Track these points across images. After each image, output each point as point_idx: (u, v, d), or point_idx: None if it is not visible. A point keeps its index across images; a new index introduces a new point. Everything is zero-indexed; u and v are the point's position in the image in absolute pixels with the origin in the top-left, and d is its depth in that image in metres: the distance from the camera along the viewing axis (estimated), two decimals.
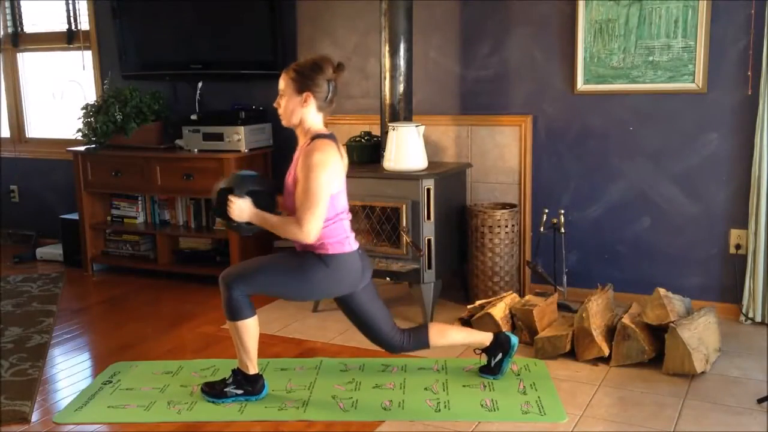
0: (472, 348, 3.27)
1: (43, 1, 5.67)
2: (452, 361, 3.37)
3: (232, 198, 2.83)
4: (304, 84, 2.79)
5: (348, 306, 2.99)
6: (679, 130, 3.86)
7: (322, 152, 2.74)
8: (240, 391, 3.01)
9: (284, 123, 2.88)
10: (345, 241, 2.88)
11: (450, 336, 3.13)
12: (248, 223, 2.88)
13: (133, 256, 5.05)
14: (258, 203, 2.87)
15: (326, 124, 2.93)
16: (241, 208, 2.83)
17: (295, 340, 3.71)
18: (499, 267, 4.02)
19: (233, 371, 3.03)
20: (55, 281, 4.85)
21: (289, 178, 2.86)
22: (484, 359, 3.20)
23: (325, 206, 2.75)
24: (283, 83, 2.83)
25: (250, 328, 2.92)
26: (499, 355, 3.15)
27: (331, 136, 2.85)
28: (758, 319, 3.72)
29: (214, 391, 3.03)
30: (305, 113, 2.81)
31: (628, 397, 2.98)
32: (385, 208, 3.90)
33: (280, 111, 2.86)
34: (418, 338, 3.06)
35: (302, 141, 2.86)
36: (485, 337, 3.18)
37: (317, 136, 2.80)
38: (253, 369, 3.00)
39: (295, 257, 2.90)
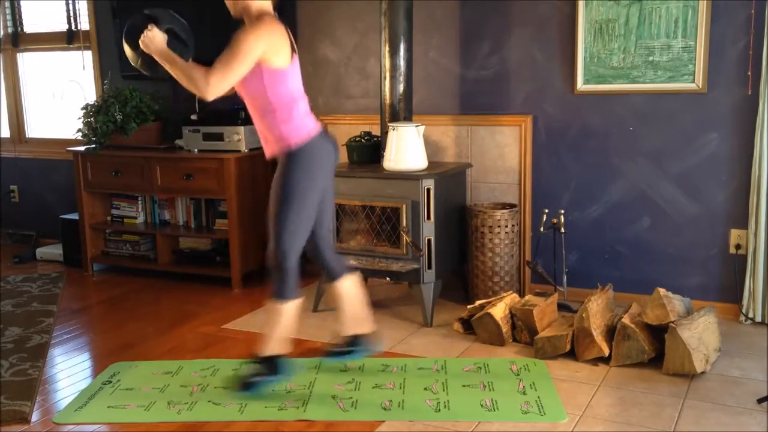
0: (343, 327, 3.22)
1: (43, 1, 5.67)
2: (452, 361, 3.37)
3: (151, 26, 2.70)
4: None
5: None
6: (679, 130, 3.86)
7: (263, 21, 2.71)
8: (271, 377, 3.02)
9: (232, 11, 2.84)
10: (306, 125, 2.85)
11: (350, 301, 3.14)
12: (150, 61, 2.74)
13: (133, 256, 5.05)
14: (174, 48, 2.74)
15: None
16: (153, 39, 2.71)
17: (295, 340, 3.70)
18: (499, 267, 4.02)
19: (261, 360, 3.01)
20: (55, 281, 4.85)
21: None
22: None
23: (242, 71, 2.67)
24: None
25: (293, 312, 2.96)
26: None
27: (274, 17, 2.79)
28: (758, 319, 3.72)
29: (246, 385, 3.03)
30: None
31: (628, 397, 2.98)
32: (385, 208, 3.90)
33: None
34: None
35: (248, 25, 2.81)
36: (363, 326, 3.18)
37: (265, 16, 2.77)
38: (278, 350, 3.00)
39: (276, 184, 2.85)
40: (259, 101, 2.81)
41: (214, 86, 2.66)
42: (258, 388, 3.01)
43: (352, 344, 3.23)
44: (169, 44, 2.75)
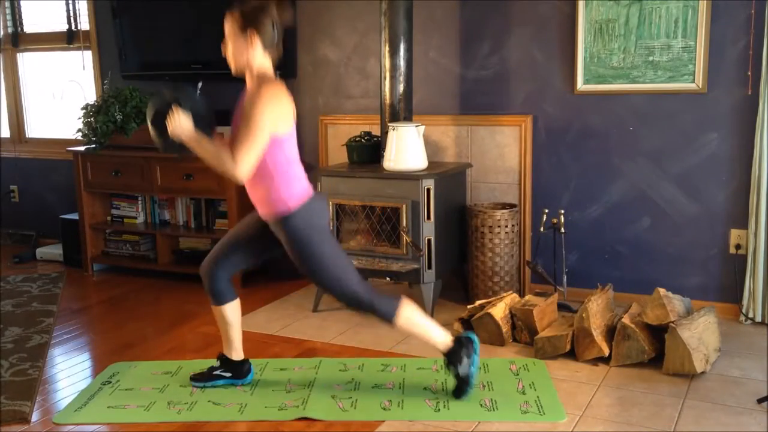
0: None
1: (43, 1, 5.67)
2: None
3: (176, 109, 2.70)
4: (248, 25, 2.76)
5: None
6: (679, 130, 3.86)
7: (270, 90, 2.72)
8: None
9: (233, 69, 2.84)
10: (300, 190, 2.84)
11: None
12: (180, 144, 2.75)
13: (133, 256, 5.05)
14: (197, 127, 2.76)
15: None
16: (183, 126, 2.73)
17: (295, 340, 3.71)
18: (499, 267, 4.02)
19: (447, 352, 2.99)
20: (55, 281, 4.85)
21: (233, 125, 2.81)
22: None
23: (263, 144, 2.70)
24: (228, 26, 2.79)
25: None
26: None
27: (278, 81, 2.81)
28: (758, 319, 3.72)
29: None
30: (252, 55, 2.77)
31: (628, 397, 2.98)
32: (385, 208, 3.90)
33: (228, 56, 2.82)
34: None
35: (250, 85, 2.82)
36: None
37: (267, 79, 2.78)
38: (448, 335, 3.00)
39: (296, 244, 2.83)
40: (257, 167, 2.77)
41: (242, 167, 2.69)
42: (472, 376, 2.97)
43: (226, 368, 3.17)
44: (195, 126, 2.76)
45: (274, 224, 2.87)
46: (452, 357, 2.97)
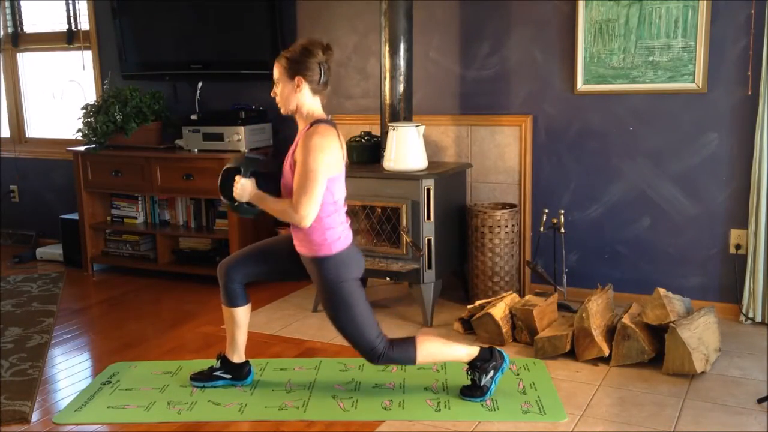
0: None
1: (43, 1, 5.67)
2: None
3: (237, 177, 2.87)
4: (295, 69, 2.80)
5: None
6: (679, 130, 3.86)
7: (321, 136, 2.75)
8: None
9: (282, 111, 2.90)
10: (342, 234, 2.88)
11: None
12: (249, 204, 2.91)
13: (133, 256, 5.04)
14: (262, 185, 2.89)
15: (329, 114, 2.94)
16: (244, 188, 2.86)
17: (295, 340, 3.71)
18: (499, 267, 4.02)
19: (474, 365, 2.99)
20: (55, 281, 4.85)
21: (286, 164, 2.86)
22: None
23: (322, 190, 2.75)
24: (276, 71, 2.86)
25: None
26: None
27: (330, 122, 2.86)
28: (758, 319, 3.72)
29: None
30: (301, 98, 2.83)
31: (628, 397, 2.98)
32: (385, 208, 3.90)
33: (277, 99, 2.88)
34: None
35: (302, 126, 2.87)
36: (471, 351, 3.02)
37: (317, 121, 2.82)
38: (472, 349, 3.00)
39: (325, 287, 2.87)
40: None
41: (306, 214, 2.75)
42: (492, 387, 2.98)
43: (226, 370, 3.17)
44: (260, 187, 2.88)
45: (310, 262, 2.90)
46: (480, 365, 2.96)
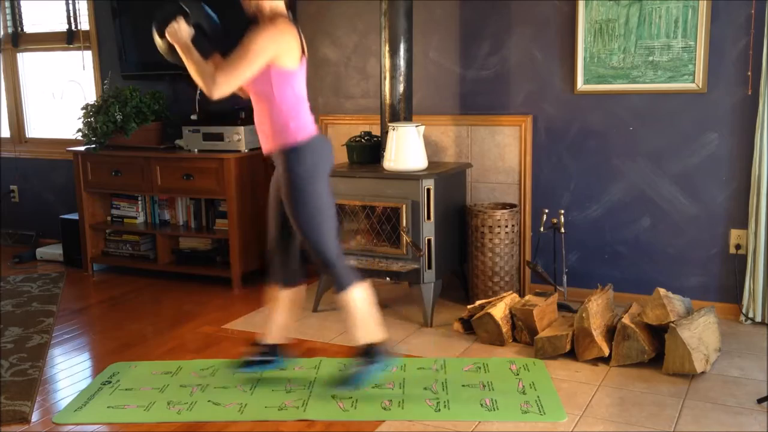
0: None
1: (43, 1, 5.67)
2: (452, 361, 3.37)
3: (180, 18, 2.77)
4: None
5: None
6: (679, 130, 3.86)
7: (274, 25, 2.75)
8: (377, 363, 2.97)
9: (246, 10, 2.87)
10: (309, 124, 2.88)
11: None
12: (174, 50, 2.82)
13: (133, 256, 5.04)
14: (198, 42, 2.81)
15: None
16: (179, 31, 2.77)
17: (295, 340, 3.71)
18: (499, 267, 4.02)
19: (363, 350, 2.98)
20: (55, 281, 4.85)
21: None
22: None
23: (250, 72, 2.72)
24: None
25: (365, 294, 2.96)
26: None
27: (287, 18, 2.83)
28: (758, 319, 3.72)
29: (356, 377, 2.98)
30: None
31: (628, 397, 2.98)
32: (385, 208, 3.90)
33: None
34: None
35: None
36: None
37: (277, 16, 2.81)
38: (382, 334, 3.00)
39: (289, 184, 2.84)
40: (265, 99, 2.84)
41: (220, 85, 2.70)
42: (363, 379, 2.97)
43: (272, 353, 3.19)
44: (194, 40, 2.80)
45: (278, 155, 2.87)
46: (371, 354, 2.96)
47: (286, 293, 3.12)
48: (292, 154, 2.84)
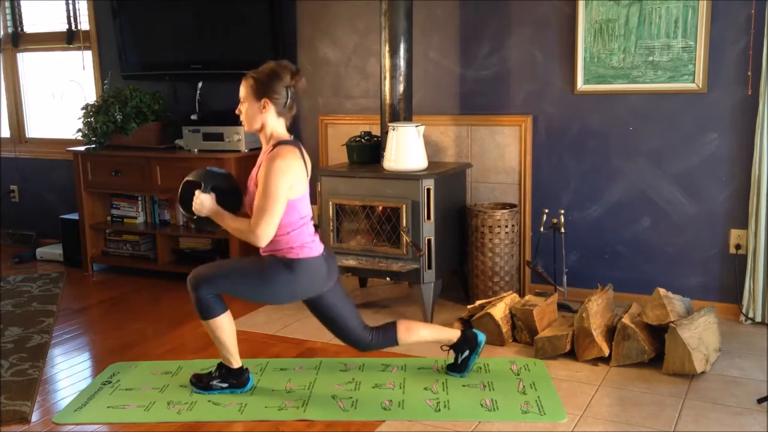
0: (439, 345, 3.27)
1: (43, 1, 5.67)
2: (450, 362, 3.36)
3: (197, 192, 2.88)
4: (262, 91, 2.85)
5: (315, 306, 3.05)
6: (679, 130, 3.86)
7: (283, 159, 2.80)
8: (225, 385, 3.08)
9: (246, 128, 2.94)
10: (310, 245, 2.91)
11: (418, 333, 3.16)
12: (207, 220, 2.93)
13: (133, 256, 5.04)
14: (223, 201, 2.91)
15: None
16: (203, 203, 2.89)
17: (295, 340, 3.71)
18: (499, 267, 4.02)
19: (218, 365, 3.12)
20: (55, 281, 4.85)
21: (251, 182, 2.92)
22: (451, 356, 3.23)
23: (281, 212, 2.79)
24: (243, 90, 2.90)
25: (224, 325, 2.99)
26: (466, 352, 3.18)
27: (293, 142, 2.90)
28: (758, 319, 3.72)
29: (201, 384, 3.11)
30: (265, 119, 2.88)
31: (628, 397, 2.98)
32: (385, 208, 3.90)
33: (242, 117, 2.92)
34: (387, 336, 3.11)
35: (265, 146, 2.93)
36: (453, 334, 3.21)
37: (280, 143, 2.86)
38: (236, 363, 3.08)
39: (259, 261, 2.94)
40: None
41: (261, 236, 2.80)
42: (215, 392, 3.08)
43: (461, 346, 3.22)
44: (219, 201, 2.91)
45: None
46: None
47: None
48: (281, 263, 2.88)
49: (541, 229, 3.99)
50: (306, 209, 2.92)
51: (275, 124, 2.89)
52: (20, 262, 5.37)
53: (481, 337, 3.22)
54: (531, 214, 4.21)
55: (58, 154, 5.55)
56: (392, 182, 3.86)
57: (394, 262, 3.89)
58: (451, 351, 3.22)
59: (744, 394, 2.97)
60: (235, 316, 4.03)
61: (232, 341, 3.04)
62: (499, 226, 3.98)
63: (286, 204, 2.80)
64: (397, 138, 3.86)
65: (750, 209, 3.69)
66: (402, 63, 3.98)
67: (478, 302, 3.72)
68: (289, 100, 2.87)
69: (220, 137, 4.59)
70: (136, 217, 5.04)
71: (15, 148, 5.87)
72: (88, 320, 4.15)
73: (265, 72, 2.87)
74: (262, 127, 2.89)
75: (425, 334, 3.18)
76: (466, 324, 3.60)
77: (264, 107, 2.85)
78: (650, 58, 3.83)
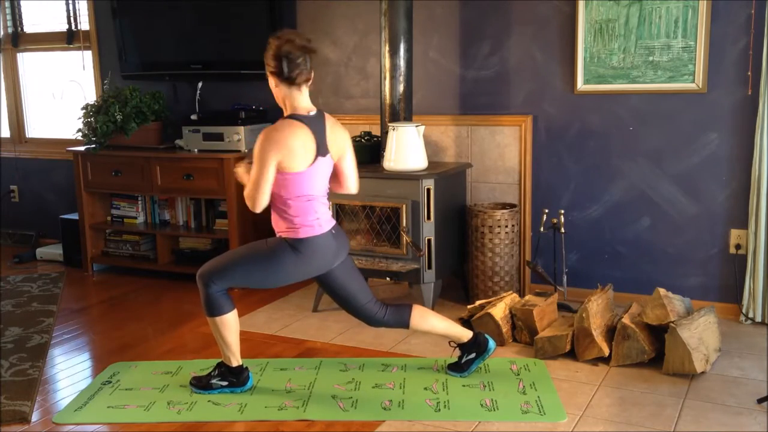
0: (447, 340, 3.26)
1: (43, 1, 5.67)
2: (452, 361, 3.36)
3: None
4: (265, 66, 2.85)
5: (324, 281, 3.05)
6: (679, 130, 3.86)
7: (274, 129, 2.79)
8: (224, 383, 3.09)
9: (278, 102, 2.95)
10: (315, 223, 2.89)
11: (431, 322, 3.16)
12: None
13: (133, 256, 5.04)
14: None
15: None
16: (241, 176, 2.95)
17: (295, 340, 3.71)
18: (499, 267, 4.02)
19: (217, 364, 3.12)
20: (55, 281, 4.85)
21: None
22: (456, 355, 3.23)
23: (267, 181, 2.76)
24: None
25: (230, 323, 3.02)
26: (473, 354, 3.18)
27: (302, 117, 2.83)
28: (758, 319, 3.72)
29: (201, 383, 3.12)
30: (278, 93, 2.88)
31: (628, 397, 2.98)
32: (385, 208, 3.90)
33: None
34: (400, 316, 3.11)
35: None
36: (464, 334, 3.20)
37: (288, 117, 2.84)
38: (235, 361, 3.09)
39: (264, 245, 2.94)
40: (274, 194, 2.86)
41: (251, 201, 2.81)
42: (214, 392, 3.10)
43: (470, 347, 3.22)
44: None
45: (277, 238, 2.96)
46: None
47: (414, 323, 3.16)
48: (287, 244, 2.89)
49: (541, 229, 3.99)
50: (311, 187, 2.86)
51: (289, 96, 2.85)
52: (20, 262, 5.37)
53: (492, 344, 3.20)
54: (531, 214, 4.21)
55: (58, 154, 5.55)
56: (392, 182, 3.86)
57: (394, 262, 3.89)
58: (458, 349, 3.22)
59: (744, 394, 2.97)
60: None
61: (235, 340, 3.05)
62: (499, 226, 3.98)
63: (272, 173, 2.76)
64: (397, 138, 3.86)
65: (750, 209, 3.69)
66: (402, 63, 3.98)
67: (478, 302, 3.72)
68: (285, 68, 2.78)
69: (220, 137, 4.59)
70: (136, 217, 5.04)
71: (15, 148, 5.87)
72: (88, 320, 4.15)
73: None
74: (284, 104, 2.88)
75: (438, 325, 3.17)
76: (467, 324, 3.60)
77: (272, 82, 2.85)
78: (650, 58, 3.83)
